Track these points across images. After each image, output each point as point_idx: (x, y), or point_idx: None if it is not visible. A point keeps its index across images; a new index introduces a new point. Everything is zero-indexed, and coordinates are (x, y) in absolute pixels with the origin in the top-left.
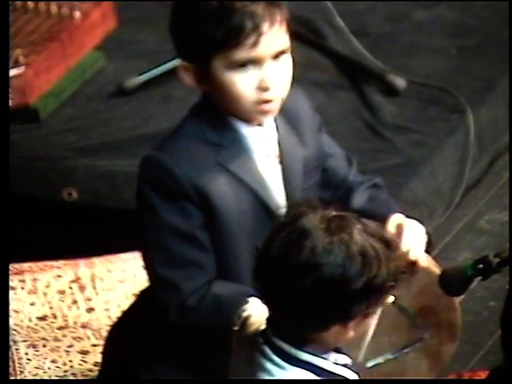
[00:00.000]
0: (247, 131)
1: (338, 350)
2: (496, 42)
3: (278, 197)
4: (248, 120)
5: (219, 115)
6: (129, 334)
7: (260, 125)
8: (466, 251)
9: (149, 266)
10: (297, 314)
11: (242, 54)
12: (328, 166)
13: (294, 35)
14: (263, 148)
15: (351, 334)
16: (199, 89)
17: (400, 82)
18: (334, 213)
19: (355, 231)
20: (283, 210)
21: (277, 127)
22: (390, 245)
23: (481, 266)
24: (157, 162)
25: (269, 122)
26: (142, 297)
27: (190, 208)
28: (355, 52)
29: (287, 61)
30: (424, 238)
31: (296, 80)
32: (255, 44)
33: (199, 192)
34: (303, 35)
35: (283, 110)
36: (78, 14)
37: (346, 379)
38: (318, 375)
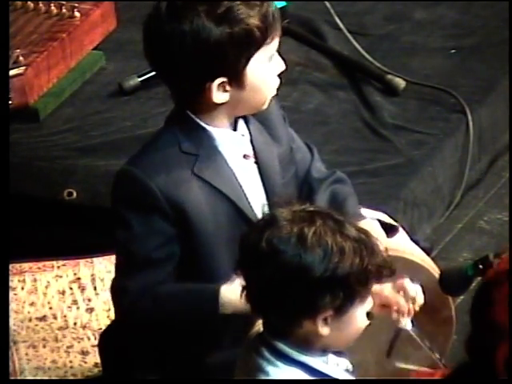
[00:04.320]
0: (222, 137)
1: (338, 353)
2: (496, 42)
3: (256, 203)
4: (220, 125)
5: (194, 125)
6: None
7: (234, 129)
8: (466, 251)
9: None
10: (266, 306)
11: (276, 44)
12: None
13: (294, 35)
14: (239, 151)
15: (325, 330)
16: (222, 102)
17: (399, 82)
18: (307, 207)
19: (319, 223)
20: (265, 207)
21: (248, 128)
22: (362, 241)
23: (481, 266)
24: (129, 176)
25: (241, 124)
26: None
27: (158, 224)
28: (355, 52)
29: None
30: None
31: (296, 80)
32: (280, 28)
33: (174, 205)
34: (303, 35)
35: None
36: (77, 14)
37: (344, 380)
38: (312, 376)
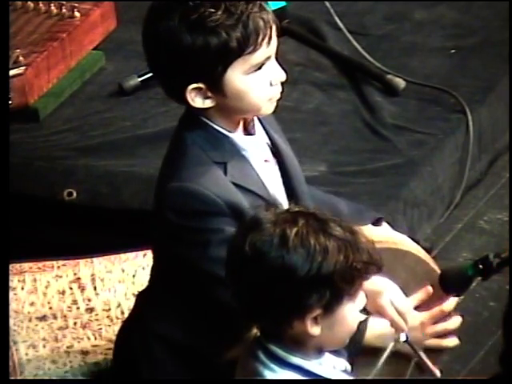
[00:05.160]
0: (243, 143)
1: (336, 353)
2: (496, 42)
3: (283, 200)
4: (235, 129)
5: (213, 131)
6: (132, 337)
7: (251, 134)
8: (465, 251)
9: (206, 281)
10: (255, 309)
11: (260, 54)
12: None
13: (294, 35)
14: (260, 155)
15: (315, 330)
16: (204, 107)
17: (399, 82)
18: (292, 208)
19: (301, 223)
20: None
21: (266, 131)
22: (346, 239)
23: (481, 266)
24: (186, 191)
25: (258, 128)
26: (141, 299)
27: (227, 220)
28: (355, 52)
29: None
30: None
31: (296, 80)
32: (269, 40)
33: (232, 207)
34: (303, 35)
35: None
36: (77, 14)
37: (344, 380)
38: (307, 378)
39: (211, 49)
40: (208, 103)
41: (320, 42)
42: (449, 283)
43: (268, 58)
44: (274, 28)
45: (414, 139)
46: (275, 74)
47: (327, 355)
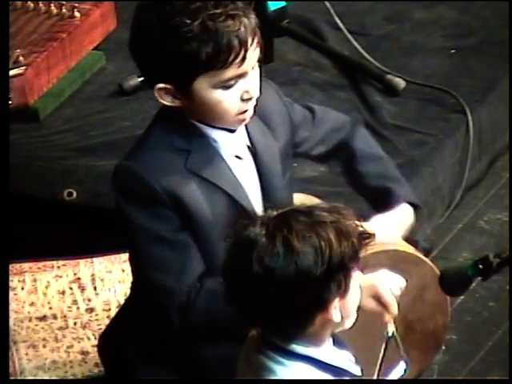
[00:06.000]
0: (216, 136)
1: (339, 346)
2: (496, 42)
3: (253, 196)
4: (225, 127)
5: (186, 122)
6: (117, 340)
7: (230, 130)
8: (466, 251)
9: (138, 275)
10: (277, 320)
11: (230, 72)
12: (317, 134)
13: (294, 35)
14: (232, 151)
15: (337, 315)
16: (174, 105)
17: (399, 82)
18: (273, 213)
19: (295, 224)
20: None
21: (247, 128)
22: (337, 221)
23: (481, 266)
24: (127, 171)
25: (240, 128)
26: (129, 304)
27: (165, 212)
28: (355, 52)
29: (257, 66)
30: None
31: (296, 80)
32: (242, 61)
33: (172, 197)
34: (303, 35)
35: (255, 107)
36: (77, 14)
37: (344, 380)
38: (318, 368)
39: (180, 57)
40: (177, 102)
41: (320, 42)
42: (449, 283)
43: (241, 75)
44: (253, 46)
45: (414, 139)
46: (248, 90)
47: (330, 347)
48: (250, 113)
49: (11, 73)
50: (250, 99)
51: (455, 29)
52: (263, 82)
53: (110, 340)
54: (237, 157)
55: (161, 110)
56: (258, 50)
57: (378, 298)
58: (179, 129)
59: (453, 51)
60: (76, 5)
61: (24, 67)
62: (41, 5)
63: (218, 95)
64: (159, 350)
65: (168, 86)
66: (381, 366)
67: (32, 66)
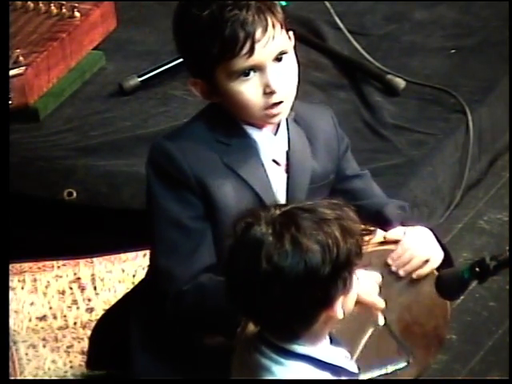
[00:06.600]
0: (257, 136)
1: (335, 344)
2: (496, 42)
3: (280, 201)
4: (261, 125)
5: (229, 119)
6: (115, 328)
7: (274, 133)
8: (465, 251)
9: (152, 257)
10: (283, 320)
11: (239, 63)
12: (353, 187)
13: (294, 35)
14: (271, 154)
15: (341, 312)
16: (210, 101)
17: (399, 82)
18: (276, 212)
19: (301, 222)
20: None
21: (289, 138)
22: (340, 217)
23: (477, 269)
24: (163, 149)
25: (282, 131)
26: (133, 292)
27: (190, 198)
28: (355, 52)
29: (290, 60)
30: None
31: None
32: (251, 52)
33: (201, 184)
34: (303, 35)
35: (304, 122)
36: (77, 14)
37: (344, 380)
38: (317, 367)
39: (196, 51)
40: (214, 98)
41: (320, 42)
42: (445, 287)
43: (256, 67)
44: (265, 38)
45: (414, 139)
46: (269, 83)
47: (327, 345)
48: (282, 108)
49: (11, 73)
50: (273, 92)
51: (455, 29)
52: (322, 107)
53: (108, 325)
54: (274, 161)
55: (207, 105)
56: (277, 41)
57: (359, 302)
58: (222, 124)
59: (453, 51)
60: (76, 5)
61: (24, 67)
62: (41, 5)
63: (237, 87)
64: (161, 336)
65: (197, 80)
66: (363, 348)
67: (32, 66)
